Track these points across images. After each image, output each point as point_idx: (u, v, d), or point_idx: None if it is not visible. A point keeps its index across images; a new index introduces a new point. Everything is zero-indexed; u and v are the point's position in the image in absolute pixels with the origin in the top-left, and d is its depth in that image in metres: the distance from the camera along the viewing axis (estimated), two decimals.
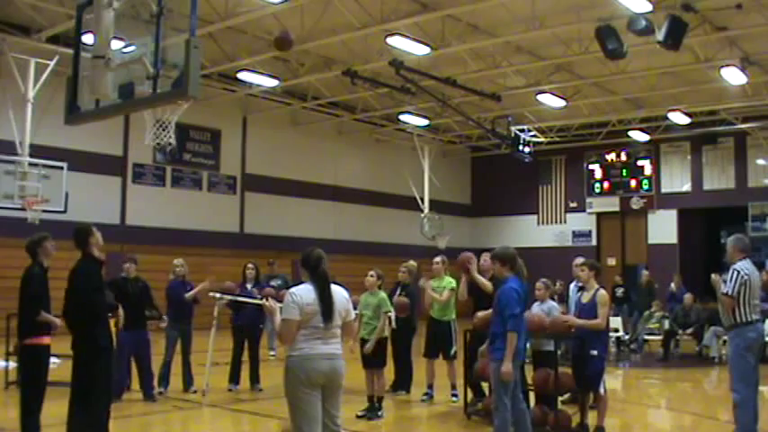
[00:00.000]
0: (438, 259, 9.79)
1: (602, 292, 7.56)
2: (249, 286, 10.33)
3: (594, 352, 7.36)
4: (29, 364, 6.48)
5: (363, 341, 8.65)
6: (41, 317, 6.37)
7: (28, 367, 6.49)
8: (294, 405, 4.95)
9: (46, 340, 6.44)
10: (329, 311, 5.01)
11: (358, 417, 8.40)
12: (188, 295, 9.87)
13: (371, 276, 8.79)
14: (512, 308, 6.34)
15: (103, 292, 6.36)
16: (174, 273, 10.11)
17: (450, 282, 9.61)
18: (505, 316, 6.36)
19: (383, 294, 8.79)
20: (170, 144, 11.33)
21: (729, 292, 6.72)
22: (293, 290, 5.09)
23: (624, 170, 26.60)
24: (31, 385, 6.43)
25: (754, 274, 6.85)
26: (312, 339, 4.97)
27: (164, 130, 11.25)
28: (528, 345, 8.04)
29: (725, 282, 6.85)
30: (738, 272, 6.74)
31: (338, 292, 5.17)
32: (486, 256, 8.98)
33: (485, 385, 8.73)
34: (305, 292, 5.03)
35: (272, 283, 12.19)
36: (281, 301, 5.20)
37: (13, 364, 10.00)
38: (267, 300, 5.60)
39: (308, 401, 4.92)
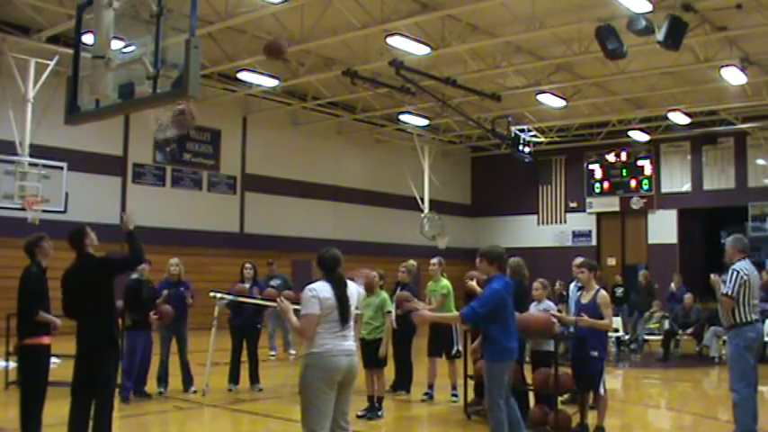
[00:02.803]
0: (435, 261, 9.81)
1: (603, 292, 7.57)
2: (247, 286, 10.32)
3: (595, 353, 7.37)
4: (28, 364, 6.47)
5: (363, 341, 8.66)
6: (40, 317, 6.37)
7: (28, 368, 6.49)
8: (309, 401, 5.00)
9: (46, 340, 6.43)
10: (346, 311, 5.10)
11: (358, 417, 8.39)
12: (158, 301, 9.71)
13: (374, 277, 8.79)
14: (481, 304, 6.39)
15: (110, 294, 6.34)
16: (168, 272, 10.10)
17: (445, 284, 9.64)
18: (471, 303, 6.54)
19: (385, 294, 8.80)
20: (173, 141, 11.32)
21: (729, 293, 6.73)
22: (311, 286, 5.18)
23: (624, 170, 26.59)
24: (31, 386, 6.42)
25: (753, 274, 6.86)
26: (332, 335, 5.05)
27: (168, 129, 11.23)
28: (527, 345, 8.08)
29: (724, 282, 6.86)
30: (738, 272, 6.75)
31: (352, 290, 5.30)
32: None
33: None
34: (322, 287, 5.12)
35: (272, 283, 12.19)
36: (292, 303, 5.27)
37: (13, 364, 10.00)
38: (281, 300, 5.59)
39: (324, 398, 4.99)
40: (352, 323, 5.20)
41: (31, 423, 6.34)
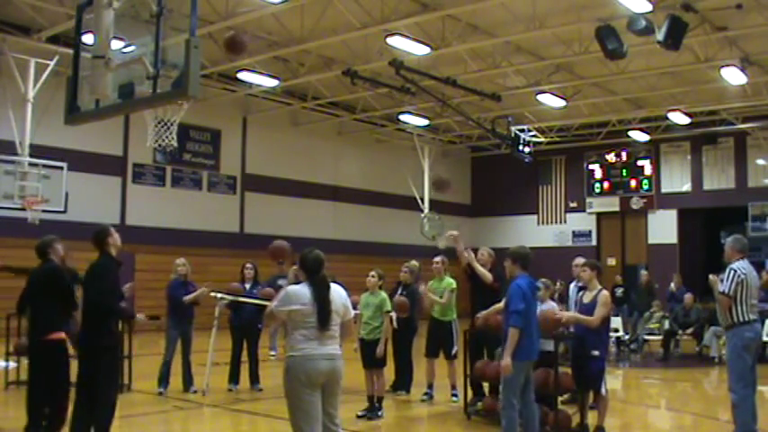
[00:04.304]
0: (438, 259, 9.81)
1: (605, 292, 7.53)
2: (248, 286, 10.32)
3: (596, 352, 7.37)
4: (58, 360, 6.35)
5: (362, 341, 8.66)
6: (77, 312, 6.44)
7: (58, 364, 6.34)
8: (294, 405, 4.98)
9: (63, 335, 6.42)
10: (326, 314, 5.05)
11: (358, 417, 8.40)
12: (186, 299, 9.83)
13: (372, 277, 8.79)
14: (515, 304, 6.40)
15: (116, 293, 6.33)
16: (175, 272, 10.09)
17: (450, 282, 9.64)
18: (509, 312, 6.43)
19: (384, 295, 8.78)
20: (171, 145, 11.32)
21: (726, 291, 6.73)
22: (289, 288, 5.19)
23: (624, 170, 26.61)
24: (63, 383, 6.36)
25: (751, 273, 6.85)
26: (311, 340, 5.00)
27: (166, 130, 11.24)
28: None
29: (722, 281, 6.86)
30: (735, 271, 6.75)
31: (336, 292, 5.19)
32: (483, 250, 9.03)
33: (485, 385, 8.75)
34: (301, 292, 5.08)
35: (280, 282, 12.19)
36: None
37: (13, 364, 10.01)
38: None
39: (308, 401, 4.95)
40: (335, 327, 5.11)
41: (60, 420, 6.29)
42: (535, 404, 6.80)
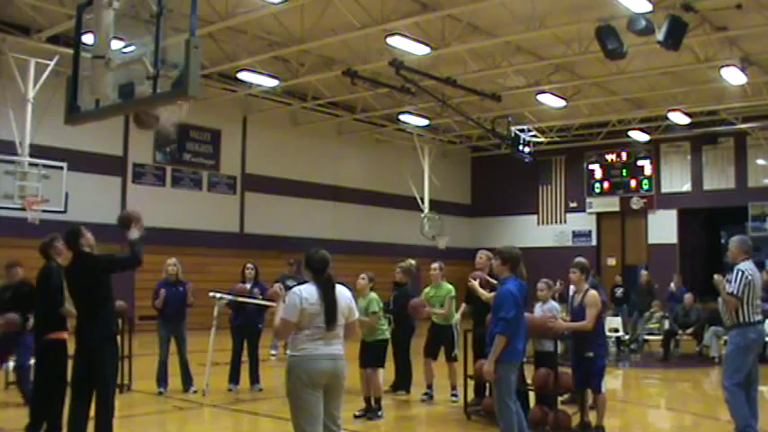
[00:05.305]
0: (436, 266, 9.72)
1: (592, 292, 7.47)
2: (249, 286, 10.32)
3: (590, 354, 7.35)
4: (52, 358, 6.35)
5: (362, 342, 8.67)
6: (65, 310, 6.39)
7: (51, 362, 6.34)
8: (296, 404, 4.98)
9: (65, 335, 6.41)
10: (332, 314, 5.03)
11: (355, 417, 8.38)
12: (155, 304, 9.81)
13: (363, 279, 8.66)
14: (506, 311, 6.26)
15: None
16: (166, 272, 10.08)
17: (449, 289, 9.59)
18: (497, 317, 6.33)
19: (372, 295, 8.65)
20: (173, 142, 11.33)
21: (735, 292, 6.75)
22: (297, 289, 5.11)
23: (624, 170, 26.60)
24: (59, 382, 6.36)
25: (756, 274, 6.89)
26: (315, 340, 4.99)
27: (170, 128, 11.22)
28: (527, 345, 8.07)
29: (729, 282, 6.87)
30: (743, 272, 6.77)
31: (341, 293, 5.18)
32: (481, 254, 8.99)
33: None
34: (308, 293, 5.05)
35: (288, 282, 12.20)
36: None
37: (12, 364, 10.00)
38: (280, 290, 5.56)
39: (310, 401, 4.94)
40: (340, 327, 5.09)
41: (59, 421, 6.28)
42: (517, 404, 6.75)
